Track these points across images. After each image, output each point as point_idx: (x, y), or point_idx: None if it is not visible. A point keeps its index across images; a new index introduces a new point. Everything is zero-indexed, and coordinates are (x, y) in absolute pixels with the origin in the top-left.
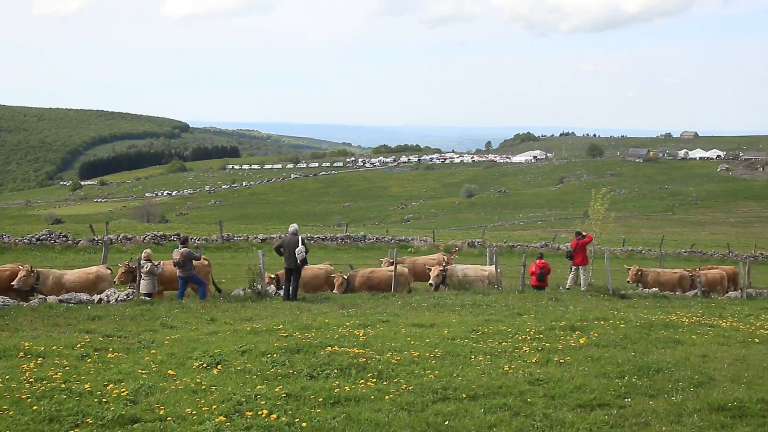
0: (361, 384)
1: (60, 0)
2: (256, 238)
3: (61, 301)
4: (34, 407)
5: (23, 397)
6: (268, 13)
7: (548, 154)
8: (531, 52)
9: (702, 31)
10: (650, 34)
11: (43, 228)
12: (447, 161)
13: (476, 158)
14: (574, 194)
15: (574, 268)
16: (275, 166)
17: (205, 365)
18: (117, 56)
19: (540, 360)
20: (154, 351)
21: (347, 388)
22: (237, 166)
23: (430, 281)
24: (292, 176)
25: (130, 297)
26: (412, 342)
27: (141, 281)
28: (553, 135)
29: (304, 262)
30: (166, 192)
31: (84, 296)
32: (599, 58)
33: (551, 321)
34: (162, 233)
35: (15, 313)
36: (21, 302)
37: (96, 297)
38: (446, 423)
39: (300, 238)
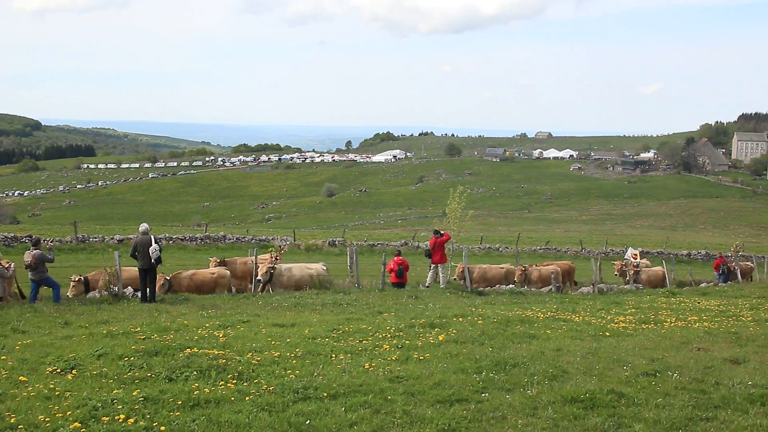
0: (221, 385)
1: None
2: (112, 238)
3: None
4: None
5: None
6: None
7: (408, 154)
8: (391, 52)
9: (555, 34)
10: (506, 37)
11: None
12: (308, 160)
13: (337, 158)
14: (433, 193)
15: (433, 266)
16: (132, 166)
17: (59, 370)
18: None
19: (400, 357)
20: (4, 357)
21: (207, 390)
22: (92, 166)
23: (258, 277)
24: (150, 176)
25: None
26: (273, 342)
27: None
28: (412, 135)
29: (159, 260)
30: (17, 192)
31: None
32: (457, 60)
33: (411, 319)
34: (13, 235)
35: None
36: None
37: None
38: (307, 422)
39: (153, 237)
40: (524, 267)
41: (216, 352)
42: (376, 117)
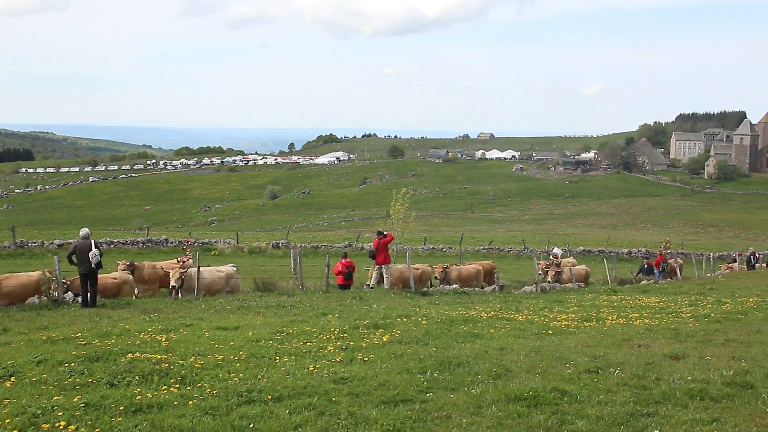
0: (164, 390)
1: None
2: (52, 243)
3: None
4: None
5: None
6: (64, 11)
7: (351, 156)
8: (334, 54)
9: (497, 36)
10: (449, 39)
11: None
12: (250, 163)
13: (280, 160)
14: (377, 194)
15: (377, 267)
16: (72, 170)
17: None
18: None
19: (344, 359)
20: None
21: (149, 394)
22: (31, 170)
23: (172, 283)
24: (91, 179)
25: None
26: (216, 345)
27: None
28: (355, 136)
29: (99, 265)
30: None
31: None
32: (400, 62)
33: (355, 320)
34: None
35: None
36: None
37: None
38: (251, 426)
39: (93, 241)
40: (445, 266)
41: (158, 357)
42: (319, 119)
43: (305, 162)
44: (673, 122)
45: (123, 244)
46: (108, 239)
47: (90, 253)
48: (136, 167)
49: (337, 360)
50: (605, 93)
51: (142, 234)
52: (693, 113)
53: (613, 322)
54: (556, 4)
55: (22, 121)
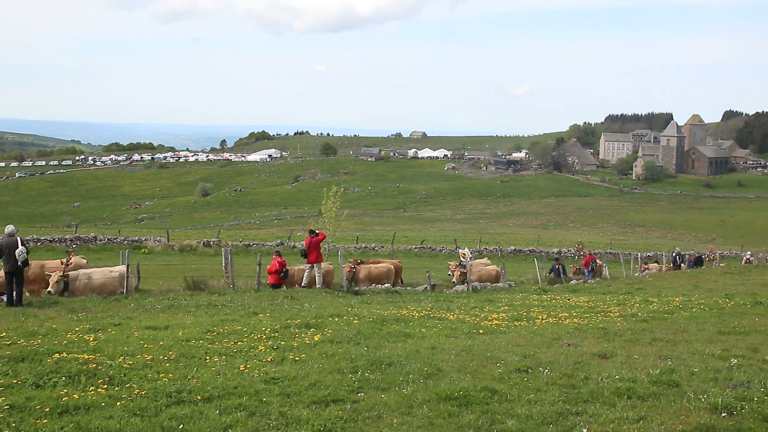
0: (91, 391)
1: None
2: None
3: None
4: None
5: None
6: None
7: (283, 153)
8: (266, 50)
9: (430, 34)
10: (382, 37)
11: None
12: (181, 160)
13: (211, 157)
14: (309, 193)
15: (308, 266)
16: None
17: None
18: None
19: (275, 358)
20: None
21: (76, 395)
22: None
23: (50, 288)
24: (17, 175)
25: None
26: (146, 345)
27: None
28: (288, 134)
29: (26, 263)
30: None
31: None
32: (333, 59)
33: (287, 319)
34: None
35: None
36: None
37: None
38: (180, 427)
39: (19, 239)
40: (352, 265)
41: (86, 357)
42: (252, 116)
43: (237, 159)
44: (602, 123)
45: (51, 241)
46: (35, 237)
47: (16, 251)
48: (64, 163)
49: (268, 360)
50: (536, 93)
51: (70, 231)
52: (622, 114)
53: (543, 321)
54: (489, 3)
55: None
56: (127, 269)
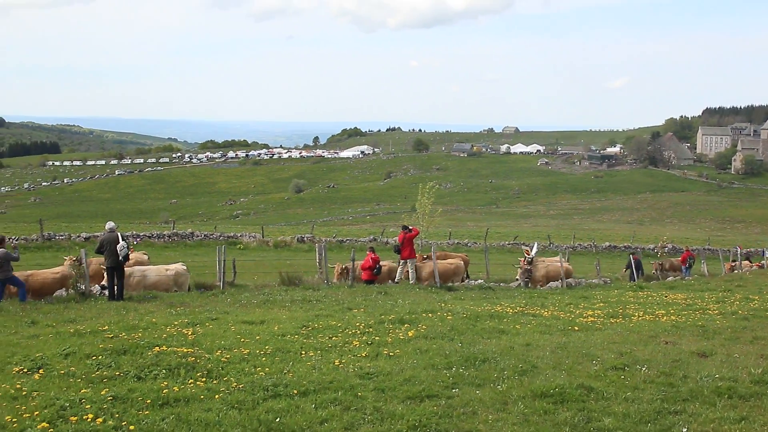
0: (190, 384)
1: None
2: (79, 236)
3: None
4: None
5: None
6: (90, 3)
7: (375, 149)
8: (359, 47)
9: (524, 29)
10: (474, 32)
11: None
12: (275, 156)
13: (304, 153)
14: (401, 189)
15: (402, 261)
16: (98, 163)
17: (25, 370)
18: None
19: (370, 354)
20: None
21: (176, 388)
22: (58, 163)
23: (103, 282)
24: (117, 173)
25: None
26: (242, 339)
27: None
28: (380, 130)
29: (126, 258)
30: None
31: None
32: (425, 54)
33: (381, 315)
34: None
35: None
36: None
37: None
38: (277, 420)
39: (119, 234)
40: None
41: (185, 350)
42: (344, 112)
43: (330, 156)
44: (699, 116)
45: (149, 237)
46: (134, 232)
47: (117, 246)
48: (161, 160)
49: (363, 355)
50: (631, 86)
51: (167, 227)
52: (720, 107)
53: (640, 318)
54: None
55: (48, 114)
56: (223, 265)
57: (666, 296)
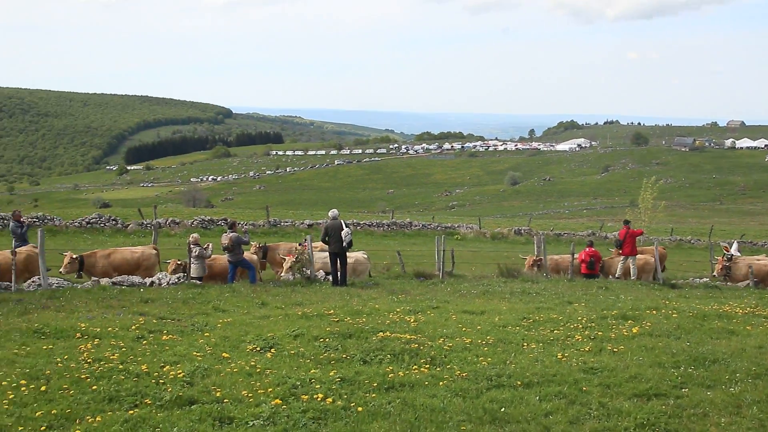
0: (414, 370)
1: None
2: (302, 223)
3: (114, 283)
4: (94, 387)
5: (82, 376)
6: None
7: (592, 143)
8: (575, 39)
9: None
10: (697, 22)
11: (91, 212)
12: (490, 149)
13: (520, 146)
14: (619, 183)
15: (623, 257)
16: (319, 153)
17: (258, 348)
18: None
19: (593, 349)
20: (207, 334)
21: (401, 373)
22: (281, 152)
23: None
24: (336, 162)
25: (182, 280)
26: (464, 329)
27: (191, 265)
28: (597, 123)
29: (350, 244)
30: (210, 177)
31: (136, 279)
32: (644, 46)
33: (602, 310)
34: (209, 218)
35: (70, 294)
36: (74, 285)
37: (148, 280)
38: (502, 410)
39: (342, 222)
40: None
41: (408, 337)
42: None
43: (545, 148)
44: None
45: (369, 226)
46: (354, 221)
47: (342, 232)
48: (378, 151)
49: (586, 350)
50: None
51: (386, 217)
52: None
53: None
54: None
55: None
56: (442, 255)
57: None
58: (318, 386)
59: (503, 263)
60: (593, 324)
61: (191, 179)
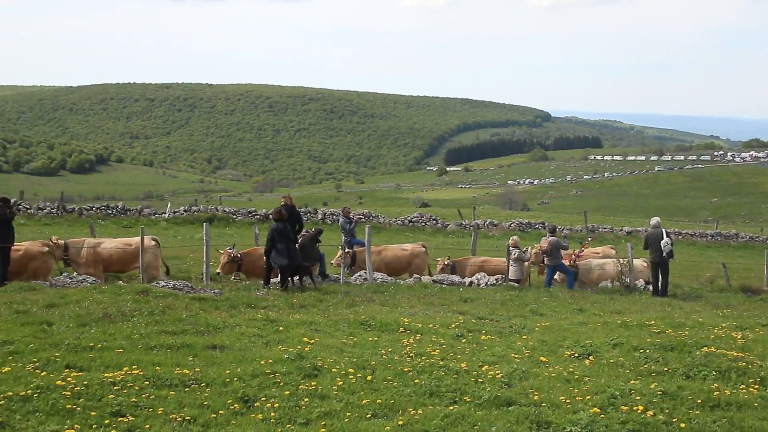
0: (742, 389)
1: None
2: (621, 230)
3: (434, 281)
4: (416, 380)
5: (405, 369)
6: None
7: None
8: None
9: None
10: None
11: (412, 210)
12: None
13: None
14: None
15: None
16: (638, 158)
17: (576, 355)
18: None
19: None
20: (525, 336)
21: (727, 392)
22: (599, 157)
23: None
24: (656, 169)
25: (500, 282)
26: None
27: (510, 267)
28: None
29: (671, 254)
30: (527, 180)
31: (456, 278)
32: None
33: None
34: (527, 221)
35: (393, 290)
36: (397, 281)
37: (467, 280)
38: None
39: (664, 230)
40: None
41: (734, 354)
42: None
43: None
44: None
45: (691, 236)
46: (675, 230)
47: (662, 242)
48: (702, 158)
49: None
50: None
51: (709, 227)
52: None
53: None
54: None
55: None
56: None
57: None
58: (638, 398)
59: None
60: None
61: (508, 182)
